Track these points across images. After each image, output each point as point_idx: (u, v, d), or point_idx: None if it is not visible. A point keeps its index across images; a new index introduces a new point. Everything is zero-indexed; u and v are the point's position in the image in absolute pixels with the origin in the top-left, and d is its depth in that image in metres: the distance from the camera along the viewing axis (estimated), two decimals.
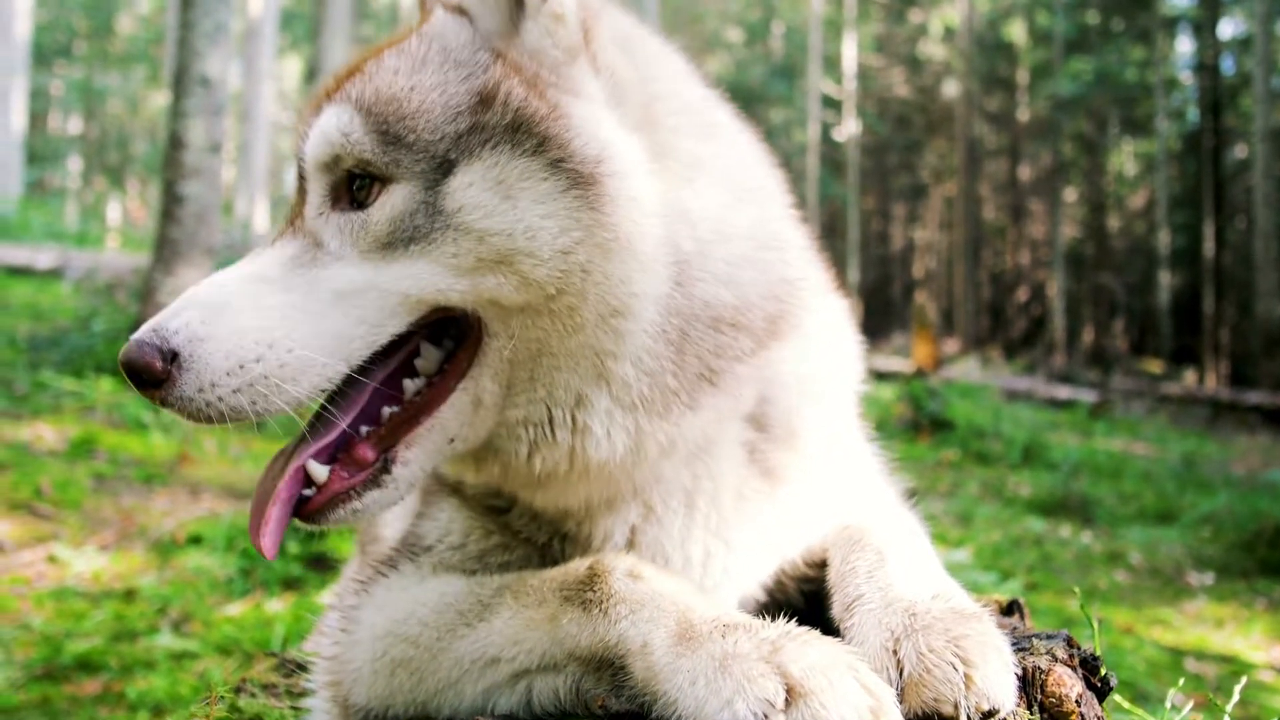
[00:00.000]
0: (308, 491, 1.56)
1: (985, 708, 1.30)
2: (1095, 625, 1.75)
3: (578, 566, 1.62)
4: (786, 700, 1.24)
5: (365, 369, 1.57)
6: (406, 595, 1.75)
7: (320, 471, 1.56)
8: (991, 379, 23.96)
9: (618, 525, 1.73)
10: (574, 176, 1.51)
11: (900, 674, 1.35)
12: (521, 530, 1.81)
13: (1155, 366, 39.00)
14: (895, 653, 1.37)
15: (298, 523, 1.57)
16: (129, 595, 5.37)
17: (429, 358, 1.63)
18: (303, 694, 1.97)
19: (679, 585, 1.58)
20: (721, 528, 1.76)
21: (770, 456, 1.78)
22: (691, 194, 1.63)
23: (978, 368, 28.64)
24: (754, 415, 1.77)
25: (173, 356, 1.48)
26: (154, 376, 1.48)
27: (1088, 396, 24.62)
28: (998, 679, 1.31)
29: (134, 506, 6.81)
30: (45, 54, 44.72)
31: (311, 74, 15.26)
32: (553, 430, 1.59)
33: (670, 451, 1.64)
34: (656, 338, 1.56)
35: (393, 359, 1.61)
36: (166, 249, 9.71)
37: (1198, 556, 10.40)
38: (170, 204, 9.75)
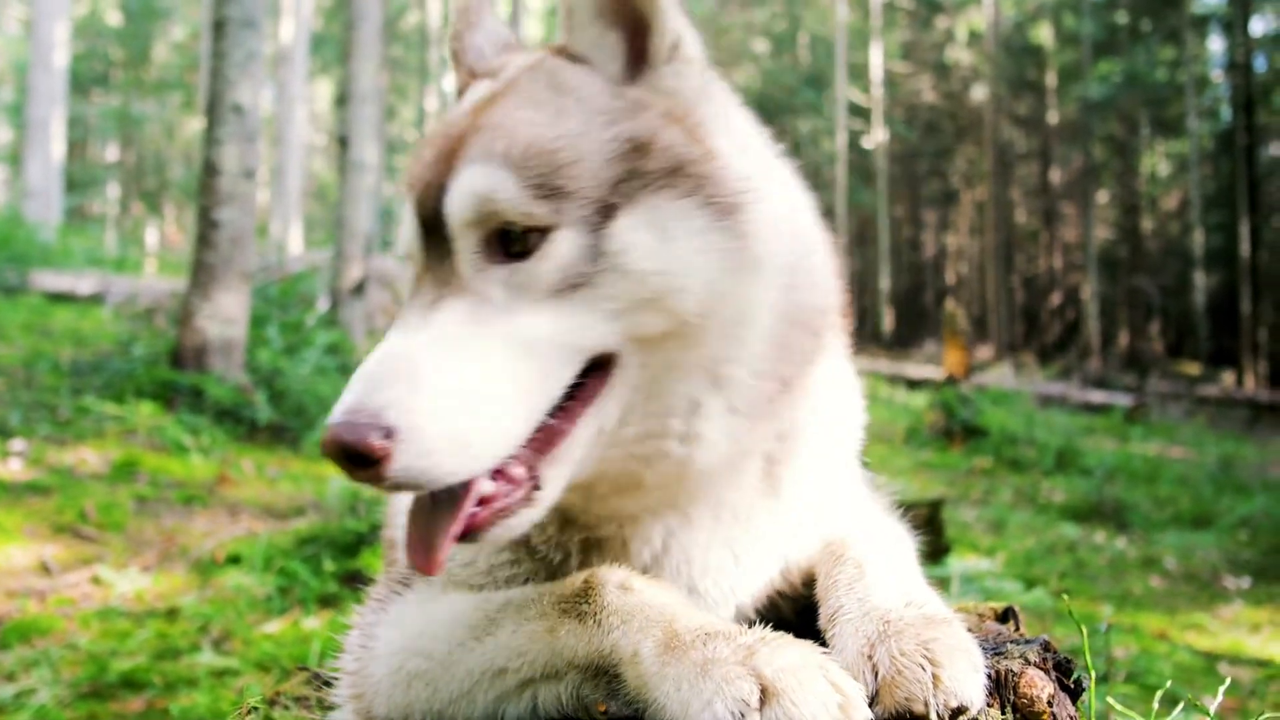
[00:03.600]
0: (476, 509, 1.53)
1: (953, 704, 1.38)
2: (1082, 628, 1.82)
3: (574, 580, 1.69)
4: (761, 700, 1.32)
5: None
6: (420, 611, 1.84)
7: (489, 486, 1.53)
8: (1025, 385, 23.81)
9: (656, 532, 1.77)
10: (722, 208, 1.57)
11: (875, 676, 1.43)
12: (538, 549, 1.86)
13: (1192, 369, 38.58)
14: (870, 657, 1.46)
15: (457, 543, 1.53)
16: (171, 614, 5.51)
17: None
18: (332, 707, 2.06)
19: (668, 595, 1.65)
20: (739, 537, 1.81)
21: (778, 467, 1.82)
22: (781, 204, 1.72)
23: (1011, 374, 28.46)
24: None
25: (388, 433, 1.39)
26: (372, 456, 1.38)
27: (1123, 401, 24.43)
28: (964, 678, 1.39)
29: (175, 527, 6.97)
30: (83, 83, 45.43)
31: (342, 97, 15.39)
32: (667, 441, 1.63)
33: (741, 458, 1.71)
34: (767, 341, 1.62)
35: None
36: (203, 274, 9.89)
37: (1234, 560, 10.34)
38: (206, 229, 9.90)
